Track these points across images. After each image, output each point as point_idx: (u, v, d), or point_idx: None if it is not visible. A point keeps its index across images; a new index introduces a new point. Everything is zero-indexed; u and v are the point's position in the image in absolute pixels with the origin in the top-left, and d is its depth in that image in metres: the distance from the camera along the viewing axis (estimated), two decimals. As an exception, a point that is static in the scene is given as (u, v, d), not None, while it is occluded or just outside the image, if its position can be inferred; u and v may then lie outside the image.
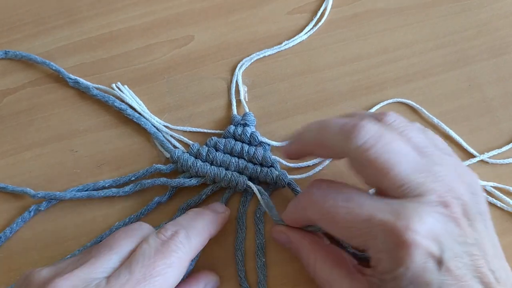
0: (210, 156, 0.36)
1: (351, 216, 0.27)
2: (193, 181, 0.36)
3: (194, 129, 0.39)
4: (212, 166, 0.36)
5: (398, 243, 0.25)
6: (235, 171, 0.36)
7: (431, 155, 0.29)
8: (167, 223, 0.31)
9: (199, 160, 0.36)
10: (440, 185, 0.27)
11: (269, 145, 0.38)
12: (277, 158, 0.37)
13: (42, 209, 0.36)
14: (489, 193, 0.37)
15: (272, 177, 0.36)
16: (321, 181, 0.31)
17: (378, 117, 0.30)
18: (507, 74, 0.40)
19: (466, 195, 0.28)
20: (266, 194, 0.35)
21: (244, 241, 0.35)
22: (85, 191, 0.37)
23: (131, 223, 0.35)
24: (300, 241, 0.32)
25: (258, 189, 0.35)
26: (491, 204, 0.36)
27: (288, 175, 0.36)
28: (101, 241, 0.35)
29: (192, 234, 0.30)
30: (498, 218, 0.36)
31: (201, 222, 0.32)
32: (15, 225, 0.36)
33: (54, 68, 0.40)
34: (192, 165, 0.36)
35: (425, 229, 0.26)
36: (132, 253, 0.28)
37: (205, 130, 0.39)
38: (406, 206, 0.26)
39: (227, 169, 0.36)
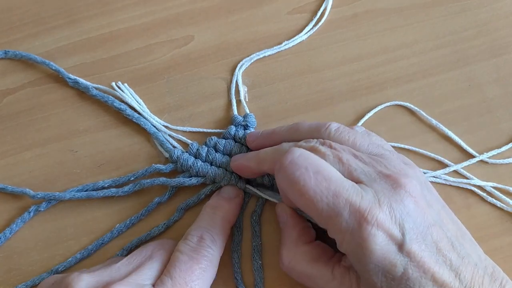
0: (210, 157, 0.36)
1: (320, 190, 0.28)
2: (193, 181, 0.36)
3: (194, 129, 0.39)
4: (213, 167, 0.36)
5: (361, 222, 0.27)
6: (234, 172, 0.36)
7: (378, 154, 0.31)
8: (190, 228, 0.33)
9: (199, 160, 0.36)
10: (394, 171, 0.29)
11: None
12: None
13: (42, 209, 0.36)
14: (489, 193, 0.37)
15: (270, 178, 0.36)
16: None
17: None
18: (507, 74, 0.40)
19: (419, 179, 0.30)
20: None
21: (241, 243, 0.35)
22: (85, 191, 0.37)
23: (132, 224, 0.36)
24: (290, 231, 0.33)
25: (258, 189, 0.35)
26: (491, 204, 0.36)
27: None
28: (102, 243, 0.35)
29: (215, 234, 0.32)
30: (498, 219, 0.36)
31: (220, 219, 0.33)
32: (14, 225, 0.36)
33: (54, 68, 0.40)
34: (193, 165, 0.36)
35: (385, 212, 0.27)
36: (168, 262, 0.31)
37: (205, 130, 0.39)
38: (367, 191, 0.28)
39: (226, 169, 0.36)
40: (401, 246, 0.27)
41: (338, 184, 0.28)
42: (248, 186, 0.36)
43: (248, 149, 0.37)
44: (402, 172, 0.29)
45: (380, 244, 0.27)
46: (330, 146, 0.31)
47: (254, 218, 0.36)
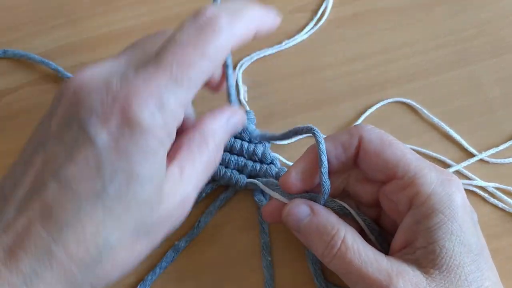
0: None
1: (407, 148, 0.30)
2: None
3: (193, 129, 0.38)
4: None
5: (448, 178, 0.28)
6: (234, 169, 0.36)
7: None
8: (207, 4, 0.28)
9: None
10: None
11: (269, 142, 0.37)
12: (277, 155, 0.37)
13: (41, 209, 0.36)
14: (490, 194, 0.37)
15: (272, 174, 0.36)
16: None
17: None
18: (508, 74, 0.40)
19: None
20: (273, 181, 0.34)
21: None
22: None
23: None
24: (325, 213, 0.29)
25: (262, 181, 0.34)
26: (492, 205, 0.36)
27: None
28: None
29: (236, 21, 0.27)
30: (500, 219, 0.36)
31: (250, 10, 0.28)
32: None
33: (53, 67, 0.40)
34: None
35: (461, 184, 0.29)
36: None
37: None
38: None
39: (226, 167, 0.36)
40: (473, 220, 0.28)
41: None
42: (251, 180, 0.35)
43: (249, 144, 0.36)
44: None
45: (463, 204, 0.28)
46: None
47: (261, 215, 0.35)
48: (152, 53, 0.25)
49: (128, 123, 0.23)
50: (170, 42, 0.25)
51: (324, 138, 0.30)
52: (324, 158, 0.29)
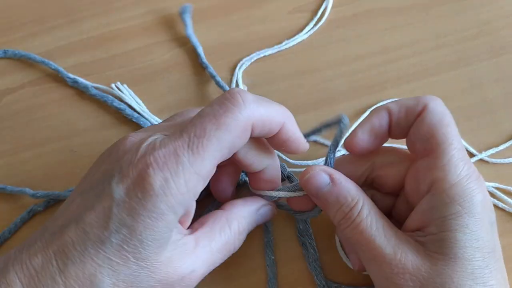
0: None
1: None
2: None
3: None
4: None
5: (476, 177, 0.29)
6: None
7: None
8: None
9: None
10: None
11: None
12: (277, 152, 0.37)
13: (41, 209, 0.36)
14: (490, 193, 0.37)
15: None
16: None
17: None
18: (508, 74, 0.40)
19: None
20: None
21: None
22: (84, 191, 0.37)
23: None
24: (345, 183, 0.29)
25: None
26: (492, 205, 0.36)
27: (287, 168, 0.36)
28: None
29: (261, 103, 0.28)
30: (500, 219, 0.36)
31: (277, 104, 0.29)
32: (14, 225, 0.36)
33: (53, 67, 0.40)
34: None
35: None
36: None
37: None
38: None
39: None
40: (491, 222, 0.29)
41: None
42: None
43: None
44: None
45: (483, 204, 0.28)
46: None
47: None
48: (182, 124, 0.28)
49: (141, 185, 0.25)
50: (195, 115, 0.27)
51: (390, 102, 0.31)
52: (339, 140, 0.30)
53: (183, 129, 0.27)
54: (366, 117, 0.31)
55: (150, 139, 0.27)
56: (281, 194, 0.32)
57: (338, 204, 0.29)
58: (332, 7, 0.42)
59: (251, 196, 0.32)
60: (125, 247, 0.25)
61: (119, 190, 0.26)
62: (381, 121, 0.30)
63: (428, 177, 0.29)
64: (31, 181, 0.37)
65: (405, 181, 0.31)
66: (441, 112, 0.29)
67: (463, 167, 0.28)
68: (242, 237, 0.31)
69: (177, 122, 0.30)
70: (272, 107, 0.28)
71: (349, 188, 0.29)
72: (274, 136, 0.29)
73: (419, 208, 0.29)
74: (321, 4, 0.43)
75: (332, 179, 0.29)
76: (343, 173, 0.30)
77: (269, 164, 0.31)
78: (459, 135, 0.29)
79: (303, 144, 0.31)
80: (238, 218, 0.30)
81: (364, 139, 0.31)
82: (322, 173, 0.30)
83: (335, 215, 0.29)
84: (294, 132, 0.30)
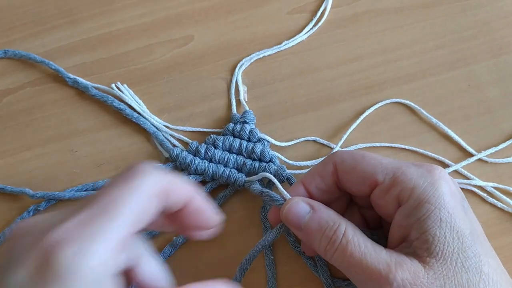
0: (209, 154, 0.36)
1: (377, 155, 0.30)
2: (192, 179, 0.36)
3: (193, 129, 0.39)
4: (211, 163, 0.36)
5: (429, 170, 0.29)
6: (233, 168, 0.36)
7: None
8: None
9: (198, 158, 0.36)
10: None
11: (268, 141, 0.38)
12: (276, 153, 0.37)
13: (41, 209, 0.36)
14: (489, 193, 0.37)
15: (271, 172, 0.36)
16: None
17: None
18: (507, 74, 0.40)
19: None
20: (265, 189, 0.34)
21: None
22: (84, 191, 0.37)
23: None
24: (325, 210, 0.29)
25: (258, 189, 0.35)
26: (491, 204, 0.36)
27: (286, 170, 0.36)
28: None
29: (165, 175, 0.26)
30: (498, 219, 0.36)
31: (186, 182, 0.28)
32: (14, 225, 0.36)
33: (53, 67, 0.40)
34: (191, 163, 0.36)
35: (445, 172, 0.29)
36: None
37: (205, 130, 0.39)
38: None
39: (225, 165, 0.36)
40: (463, 206, 0.28)
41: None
42: (250, 178, 0.36)
43: (248, 142, 0.37)
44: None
45: (449, 192, 0.28)
46: None
47: (263, 214, 0.36)
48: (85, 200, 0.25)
49: (48, 264, 0.22)
50: (102, 189, 0.25)
51: (303, 175, 0.32)
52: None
53: (89, 201, 0.24)
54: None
55: (49, 220, 0.24)
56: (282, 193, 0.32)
57: (321, 230, 0.29)
58: (332, 7, 0.43)
59: (212, 281, 0.27)
60: None
61: (17, 279, 0.22)
62: (302, 192, 0.31)
63: (389, 199, 0.29)
64: (31, 181, 0.37)
65: (374, 209, 0.31)
66: (349, 156, 0.30)
67: (408, 170, 0.29)
68: None
69: (77, 203, 0.26)
70: (179, 178, 0.27)
71: (329, 213, 0.29)
72: (183, 210, 0.27)
73: (395, 222, 0.29)
74: (321, 5, 0.43)
75: (311, 206, 0.30)
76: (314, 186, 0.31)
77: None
78: (376, 154, 0.30)
79: (214, 216, 0.29)
80: None
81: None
82: (301, 202, 0.30)
83: (320, 243, 0.29)
84: (203, 203, 0.28)
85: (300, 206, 0.30)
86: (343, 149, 0.32)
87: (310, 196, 0.31)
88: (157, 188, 0.25)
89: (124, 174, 0.25)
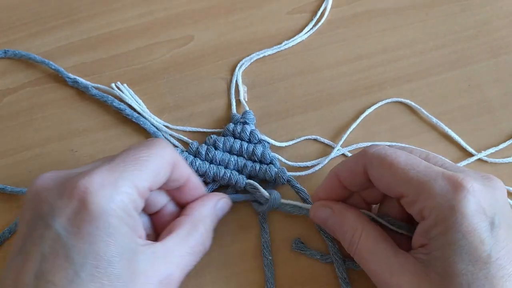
0: (209, 155, 0.36)
1: (412, 162, 0.29)
2: None
3: (194, 129, 0.39)
4: (211, 165, 0.36)
5: (457, 187, 0.27)
6: (234, 169, 0.36)
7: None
8: None
9: (198, 159, 0.36)
10: (485, 174, 0.30)
11: (268, 143, 0.38)
12: (276, 155, 0.37)
13: (42, 209, 0.36)
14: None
15: (271, 174, 0.36)
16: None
17: None
18: (507, 74, 0.40)
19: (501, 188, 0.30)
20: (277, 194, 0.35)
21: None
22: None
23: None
24: (345, 213, 0.32)
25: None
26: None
27: (287, 172, 0.36)
28: None
29: (176, 152, 0.31)
30: (498, 218, 0.36)
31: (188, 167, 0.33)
32: (14, 225, 0.36)
33: (53, 67, 0.40)
34: (191, 164, 0.36)
35: (480, 188, 0.27)
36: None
37: (205, 130, 0.39)
38: (460, 170, 0.29)
39: (226, 167, 0.36)
40: (492, 224, 0.27)
41: (431, 163, 0.29)
42: (249, 181, 0.36)
43: (248, 144, 0.37)
44: (492, 175, 0.30)
45: (474, 212, 0.26)
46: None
47: (261, 214, 0.36)
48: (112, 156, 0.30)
49: (85, 207, 0.26)
50: (127, 148, 0.30)
51: (339, 164, 0.33)
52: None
53: (114, 157, 0.29)
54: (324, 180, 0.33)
55: (76, 172, 0.28)
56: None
57: (342, 232, 0.31)
58: (332, 7, 0.43)
59: (206, 195, 0.34)
60: (96, 274, 0.25)
61: (61, 223, 0.26)
62: (333, 185, 0.33)
63: (414, 212, 0.29)
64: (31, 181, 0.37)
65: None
66: (378, 161, 0.30)
67: (435, 186, 0.28)
68: (210, 235, 0.32)
69: (97, 161, 0.31)
70: (184, 161, 0.33)
71: (348, 217, 0.32)
72: (182, 186, 0.33)
73: (417, 231, 0.29)
74: (321, 5, 0.43)
75: (332, 208, 0.32)
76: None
77: (166, 202, 0.33)
78: (409, 154, 0.29)
79: (202, 190, 0.34)
80: (202, 219, 0.32)
81: (324, 196, 0.33)
82: (320, 208, 0.33)
83: (342, 242, 0.32)
84: (198, 181, 0.34)
85: (320, 211, 0.33)
86: (375, 145, 0.30)
87: (343, 185, 0.32)
88: (170, 158, 0.30)
89: (146, 142, 0.30)
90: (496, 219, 0.27)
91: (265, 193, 0.34)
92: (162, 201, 0.33)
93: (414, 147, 0.34)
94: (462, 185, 0.27)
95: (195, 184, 0.33)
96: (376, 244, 0.30)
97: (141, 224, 0.29)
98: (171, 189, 0.33)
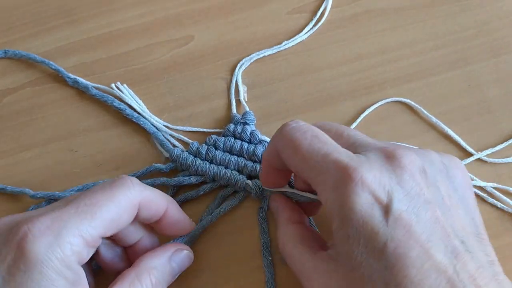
0: (210, 155, 0.36)
1: (312, 149, 0.28)
2: (192, 179, 0.36)
3: (194, 129, 0.39)
4: (212, 165, 0.36)
5: (345, 179, 0.26)
6: (234, 169, 0.36)
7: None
8: None
9: (199, 159, 0.36)
10: (393, 146, 0.28)
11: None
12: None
13: (42, 209, 0.36)
14: (489, 193, 0.37)
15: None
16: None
17: None
18: (507, 74, 0.40)
19: (425, 158, 0.28)
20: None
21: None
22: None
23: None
24: (281, 214, 0.33)
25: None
26: (491, 204, 0.36)
27: None
28: None
29: (148, 186, 0.30)
30: (498, 219, 0.36)
31: (163, 194, 0.31)
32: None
33: (53, 67, 0.40)
34: (192, 164, 0.36)
35: (373, 174, 0.26)
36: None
37: (205, 130, 0.39)
38: (359, 156, 0.27)
39: (226, 167, 0.36)
40: (387, 212, 0.25)
41: (331, 147, 0.28)
42: (248, 182, 0.36)
43: (249, 144, 0.37)
44: (402, 147, 0.28)
45: (363, 205, 0.25)
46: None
47: (261, 215, 0.36)
48: (69, 198, 0.28)
49: (22, 256, 0.25)
50: (86, 191, 0.28)
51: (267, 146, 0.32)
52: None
53: (70, 199, 0.27)
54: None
55: (26, 215, 0.27)
56: (297, 192, 0.33)
57: (277, 232, 0.32)
58: (332, 7, 0.43)
59: (162, 245, 0.32)
60: None
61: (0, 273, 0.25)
62: (267, 168, 0.33)
63: (320, 197, 0.28)
64: (31, 181, 0.37)
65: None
66: (287, 147, 0.29)
67: (327, 180, 0.27)
68: None
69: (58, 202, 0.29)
70: (157, 192, 0.31)
71: (280, 215, 0.32)
72: (159, 220, 0.31)
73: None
74: (321, 5, 0.43)
75: (278, 206, 0.33)
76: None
77: (142, 236, 0.32)
78: (312, 142, 0.28)
79: (189, 224, 0.33)
80: (149, 270, 0.29)
81: (265, 181, 0.34)
82: (272, 201, 0.34)
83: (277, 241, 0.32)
84: (178, 214, 0.32)
85: (272, 204, 0.34)
86: (291, 123, 0.30)
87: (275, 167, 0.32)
88: (135, 199, 0.28)
89: (109, 183, 0.28)
90: (393, 206, 0.25)
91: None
92: (136, 235, 0.31)
93: (336, 123, 0.32)
94: (350, 177, 0.26)
95: (174, 218, 0.31)
96: (294, 248, 0.30)
97: (84, 277, 0.27)
98: (147, 223, 0.31)
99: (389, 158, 0.27)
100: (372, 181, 0.26)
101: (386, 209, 0.25)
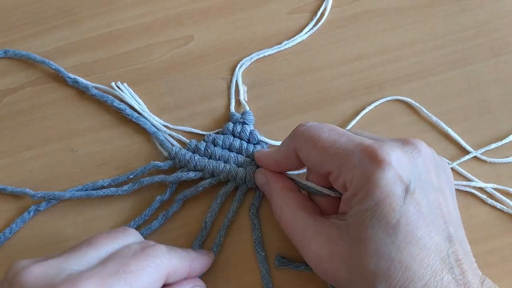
0: (209, 151, 0.36)
1: (333, 138, 0.30)
2: (191, 175, 0.36)
3: (193, 130, 0.39)
4: (211, 160, 0.36)
5: (372, 158, 0.28)
6: (234, 164, 0.36)
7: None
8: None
9: (197, 155, 0.36)
10: (409, 138, 0.30)
11: (267, 144, 0.38)
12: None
13: (42, 209, 0.36)
14: (489, 194, 0.37)
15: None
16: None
17: None
18: (507, 74, 0.40)
19: (432, 151, 0.31)
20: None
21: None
22: (85, 190, 0.37)
23: (136, 225, 0.36)
24: (274, 184, 0.33)
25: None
26: (491, 206, 0.36)
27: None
28: None
29: (173, 252, 0.30)
30: (498, 219, 0.36)
31: (183, 251, 0.32)
32: (14, 225, 0.36)
33: (53, 67, 0.40)
34: (190, 159, 0.36)
35: (396, 154, 0.28)
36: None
37: (205, 132, 0.39)
38: (379, 143, 0.29)
39: (226, 162, 0.36)
40: (406, 190, 0.27)
41: (351, 135, 0.30)
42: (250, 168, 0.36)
43: (248, 144, 0.37)
44: (417, 139, 0.30)
45: (389, 179, 0.27)
46: None
47: (252, 211, 0.36)
48: (97, 258, 0.28)
49: None
50: (115, 254, 0.28)
51: (273, 151, 0.34)
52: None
53: (107, 260, 0.27)
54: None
55: (61, 270, 0.27)
56: (313, 186, 0.33)
57: (271, 202, 0.33)
58: (332, 7, 0.43)
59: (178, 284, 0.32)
60: None
61: None
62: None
63: (338, 186, 0.30)
64: (31, 181, 0.37)
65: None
66: (304, 141, 0.31)
67: (352, 159, 0.28)
68: None
69: (83, 254, 0.29)
70: (181, 255, 0.31)
71: (275, 188, 0.33)
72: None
73: (342, 200, 0.30)
74: (321, 5, 0.43)
75: (267, 178, 0.34)
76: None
77: None
78: (330, 134, 0.30)
79: (208, 265, 0.34)
80: None
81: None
82: (258, 174, 0.35)
83: (273, 213, 0.33)
84: (200, 268, 0.33)
85: (258, 177, 0.35)
86: (302, 125, 0.32)
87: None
88: (163, 272, 0.29)
89: (141, 250, 0.29)
90: (411, 185, 0.27)
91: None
92: None
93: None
94: (377, 154, 0.28)
95: (196, 273, 0.32)
96: (295, 214, 0.31)
97: None
98: None
99: (407, 143, 0.29)
100: (396, 160, 0.28)
101: (407, 188, 0.27)
